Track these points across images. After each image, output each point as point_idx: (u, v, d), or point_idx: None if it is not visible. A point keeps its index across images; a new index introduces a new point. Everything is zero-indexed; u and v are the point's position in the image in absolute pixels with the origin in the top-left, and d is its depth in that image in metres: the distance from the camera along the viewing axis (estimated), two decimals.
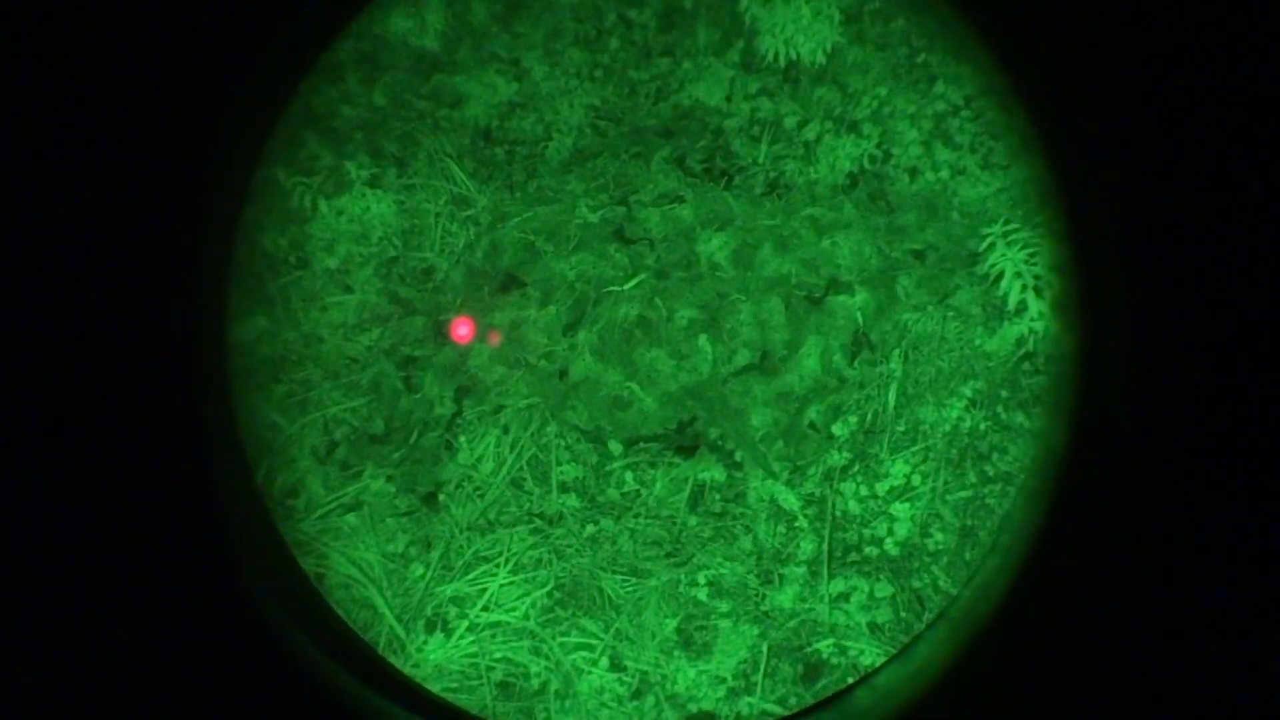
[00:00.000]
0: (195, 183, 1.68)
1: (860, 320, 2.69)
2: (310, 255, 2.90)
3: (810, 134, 2.93)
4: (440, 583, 2.51)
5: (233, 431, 2.16)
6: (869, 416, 2.63)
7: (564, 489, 2.61)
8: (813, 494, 2.60)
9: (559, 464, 2.62)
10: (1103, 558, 1.70)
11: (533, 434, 2.63)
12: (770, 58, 2.98)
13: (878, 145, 2.92)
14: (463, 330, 2.74)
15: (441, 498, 2.60)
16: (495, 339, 2.75)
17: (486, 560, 2.52)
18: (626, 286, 2.74)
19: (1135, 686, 1.69)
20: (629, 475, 2.61)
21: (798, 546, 2.56)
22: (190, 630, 1.67)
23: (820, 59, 2.98)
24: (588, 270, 2.74)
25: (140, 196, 1.65)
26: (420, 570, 2.54)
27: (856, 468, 2.56)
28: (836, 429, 2.62)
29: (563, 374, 2.69)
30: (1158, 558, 1.68)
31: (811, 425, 2.64)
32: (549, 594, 2.52)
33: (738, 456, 2.61)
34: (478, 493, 2.59)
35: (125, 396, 1.65)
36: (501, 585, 2.48)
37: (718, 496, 2.59)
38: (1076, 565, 1.73)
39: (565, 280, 2.74)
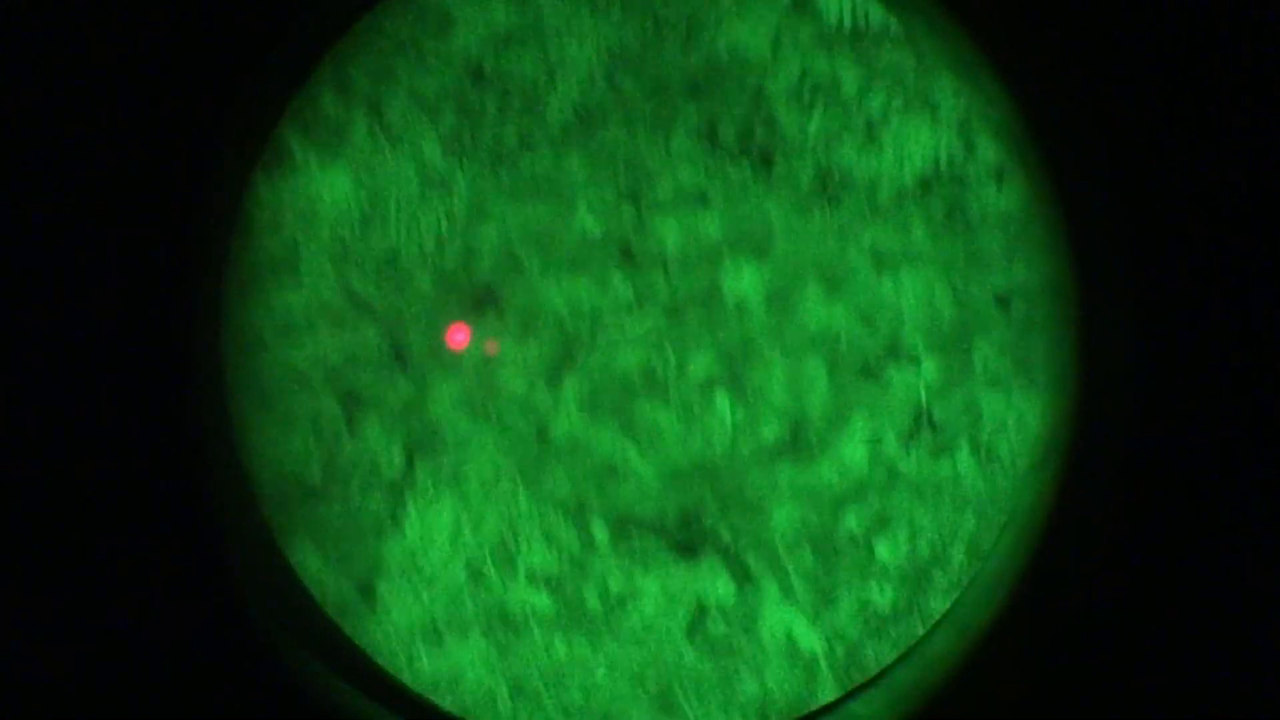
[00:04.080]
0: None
1: (924, 398, 2.10)
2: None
3: (874, 107, 2.28)
4: None
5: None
6: (923, 543, 2.07)
7: (532, 581, 2.07)
8: (842, 632, 2.05)
9: (528, 548, 2.08)
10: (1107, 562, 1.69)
11: (499, 508, 2.08)
12: None
13: (959, 134, 2.27)
14: (459, 337, 2.17)
15: (381, 589, 2.07)
16: (493, 348, 2.18)
17: (424, 692, 2.01)
18: (629, 330, 2.14)
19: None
20: (613, 580, 2.08)
21: (815, 699, 2.03)
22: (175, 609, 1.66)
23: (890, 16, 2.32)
24: (581, 301, 2.14)
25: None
26: None
27: (903, 617, 2.01)
28: (882, 549, 2.06)
29: (541, 434, 2.12)
30: (1162, 554, 1.67)
31: (850, 537, 2.08)
32: None
33: (751, 566, 2.06)
34: (425, 584, 2.06)
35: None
36: None
37: (722, 622, 2.05)
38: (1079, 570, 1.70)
39: (553, 311, 2.15)
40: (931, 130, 2.27)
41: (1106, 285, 1.77)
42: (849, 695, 1.90)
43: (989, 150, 2.26)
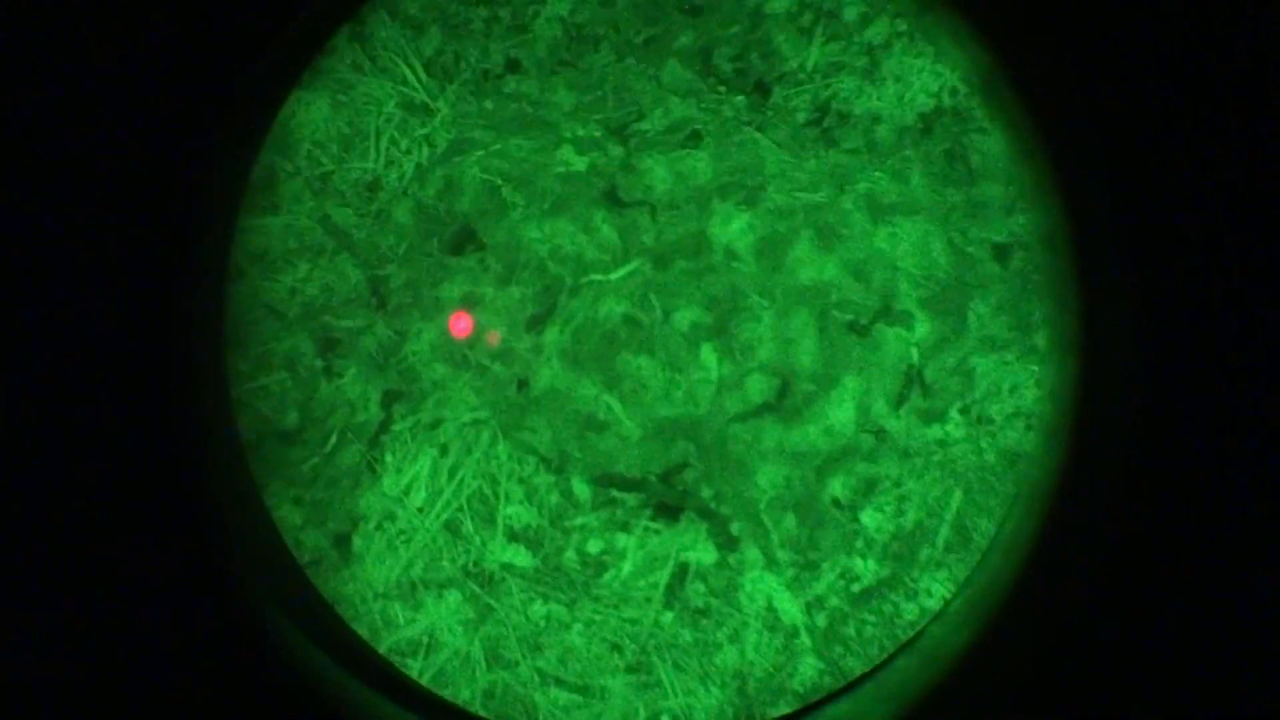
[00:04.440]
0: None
1: (916, 358, 2.03)
2: None
3: (875, 36, 2.15)
4: None
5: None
6: (910, 512, 2.01)
7: (512, 537, 2.04)
8: (822, 600, 2.02)
9: (508, 502, 2.04)
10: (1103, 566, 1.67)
11: (478, 459, 2.04)
12: None
13: (963, 69, 2.16)
14: (462, 325, 2.10)
15: (356, 543, 2.04)
16: (494, 339, 2.11)
17: (398, 656, 1.99)
18: (613, 276, 2.06)
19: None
20: (594, 541, 2.04)
21: (793, 672, 2.00)
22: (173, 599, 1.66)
23: None
24: (564, 246, 2.06)
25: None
26: None
27: (885, 590, 1.97)
28: (867, 517, 2.01)
29: (522, 384, 2.06)
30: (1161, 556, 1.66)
31: (835, 502, 2.03)
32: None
33: (734, 529, 2.02)
34: (402, 538, 2.03)
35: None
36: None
37: (703, 587, 2.02)
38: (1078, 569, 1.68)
39: (535, 256, 2.07)
40: (934, 70, 2.14)
41: (1104, 252, 1.68)
42: (843, 690, 1.88)
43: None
